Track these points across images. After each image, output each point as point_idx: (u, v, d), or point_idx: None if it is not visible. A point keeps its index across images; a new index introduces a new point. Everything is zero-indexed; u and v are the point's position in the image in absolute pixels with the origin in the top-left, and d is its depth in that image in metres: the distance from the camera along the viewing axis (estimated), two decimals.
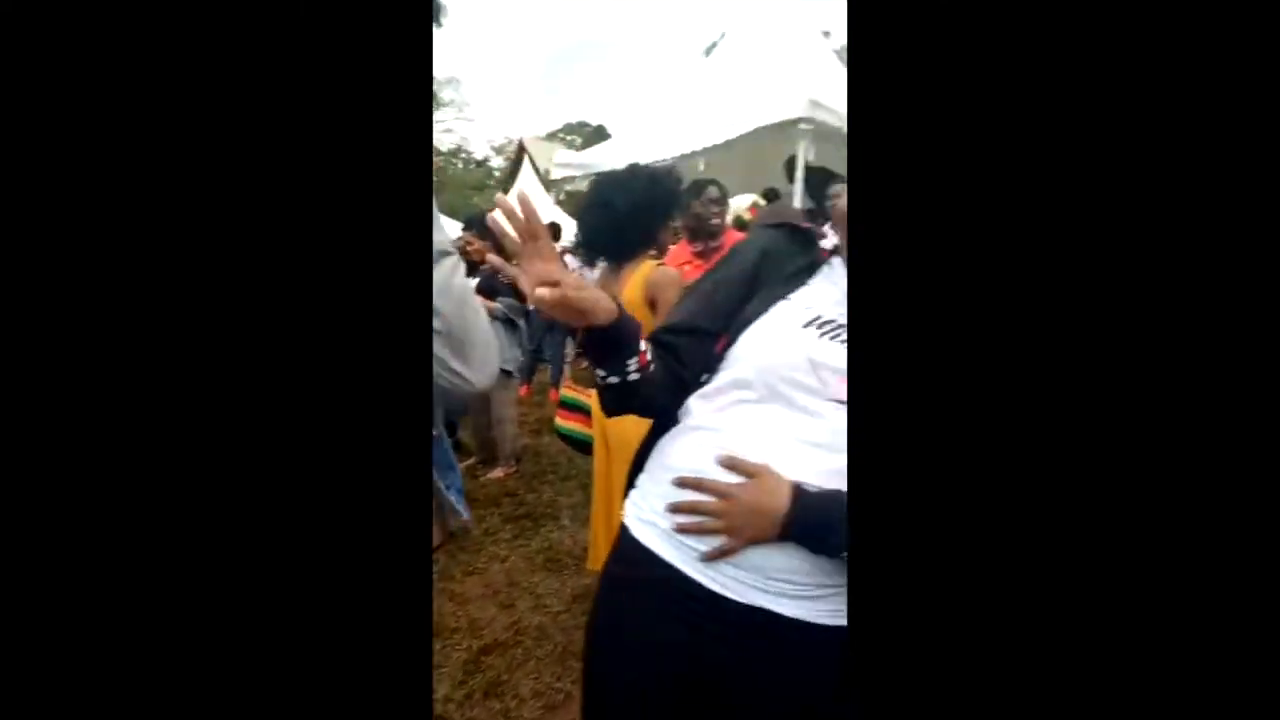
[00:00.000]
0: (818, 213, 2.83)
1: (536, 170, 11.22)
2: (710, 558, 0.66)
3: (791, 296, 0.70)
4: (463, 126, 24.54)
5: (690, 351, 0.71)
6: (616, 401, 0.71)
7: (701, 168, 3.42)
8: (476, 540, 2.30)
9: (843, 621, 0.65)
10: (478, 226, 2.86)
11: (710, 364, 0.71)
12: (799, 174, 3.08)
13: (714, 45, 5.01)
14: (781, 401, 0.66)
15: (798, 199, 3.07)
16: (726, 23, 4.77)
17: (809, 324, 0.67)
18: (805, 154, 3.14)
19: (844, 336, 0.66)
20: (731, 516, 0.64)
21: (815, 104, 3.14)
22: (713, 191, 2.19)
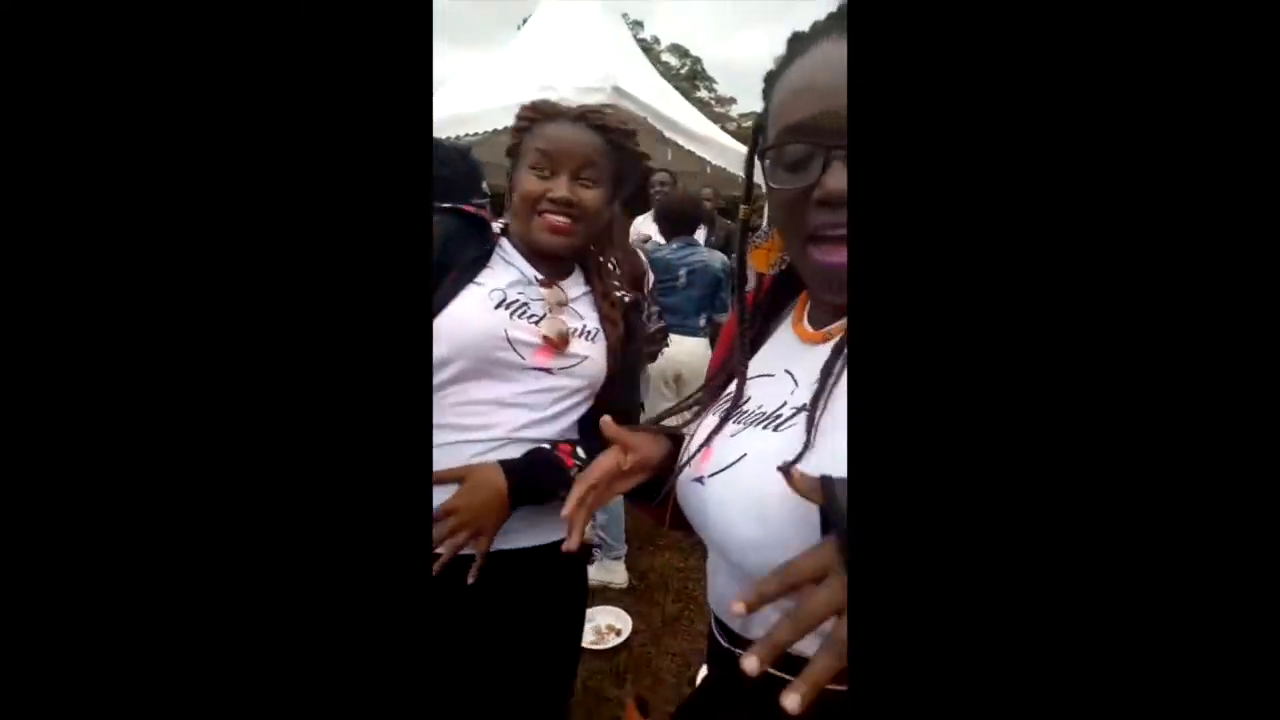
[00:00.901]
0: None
1: None
2: (477, 577, 0.74)
3: (480, 280, 0.80)
4: None
5: None
6: None
7: None
8: None
9: (553, 537, 0.80)
10: None
11: None
12: None
13: (526, 19, 4.89)
14: (486, 375, 0.77)
15: None
16: None
17: (500, 305, 0.78)
18: None
19: (529, 313, 0.80)
20: (469, 524, 0.72)
21: (620, 91, 3.27)
22: None
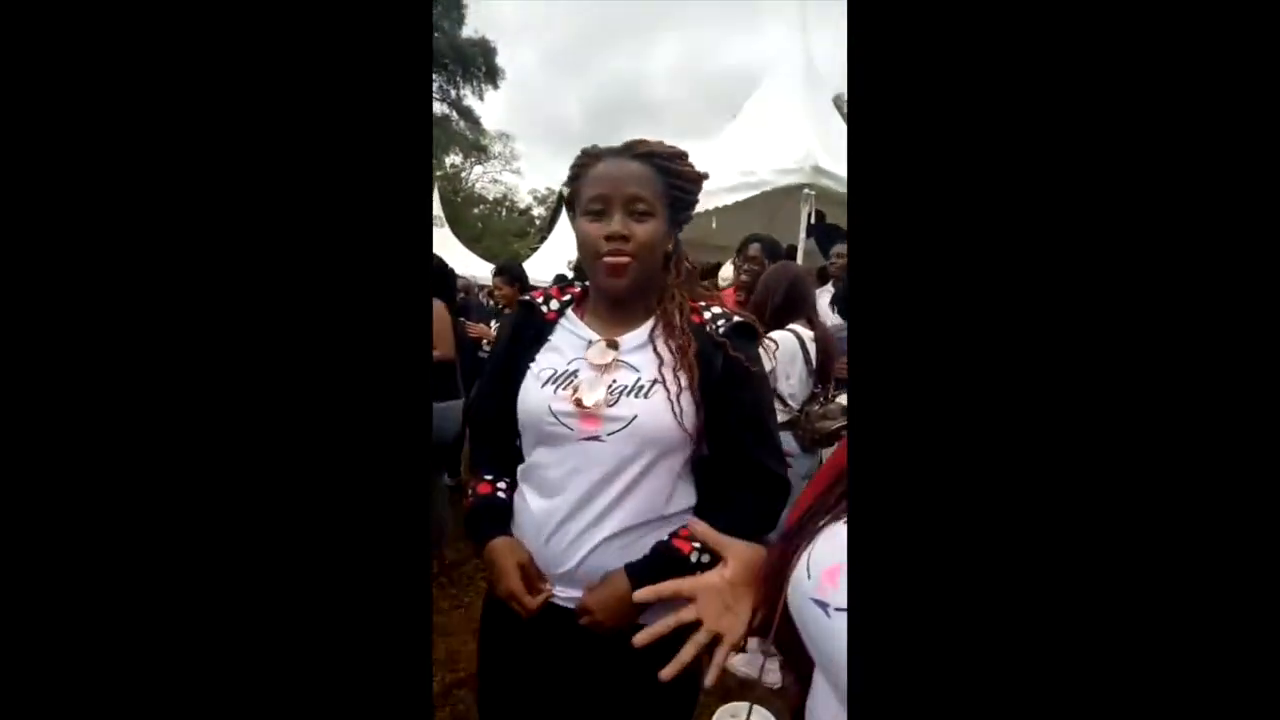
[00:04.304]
0: (824, 268, 2.96)
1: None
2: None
3: (535, 358, 0.85)
4: (509, 178, 25.91)
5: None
6: None
7: (714, 225, 3.58)
8: (466, 574, 2.39)
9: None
10: (508, 272, 3.08)
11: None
12: (801, 233, 3.22)
13: (741, 108, 5.22)
14: (550, 446, 0.81)
15: (801, 255, 3.19)
16: (754, 80, 4.99)
17: (547, 381, 0.81)
18: (809, 215, 3.28)
19: (572, 385, 0.80)
20: (599, 625, 0.78)
21: (819, 170, 3.29)
22: (753, 249, 2.34)
